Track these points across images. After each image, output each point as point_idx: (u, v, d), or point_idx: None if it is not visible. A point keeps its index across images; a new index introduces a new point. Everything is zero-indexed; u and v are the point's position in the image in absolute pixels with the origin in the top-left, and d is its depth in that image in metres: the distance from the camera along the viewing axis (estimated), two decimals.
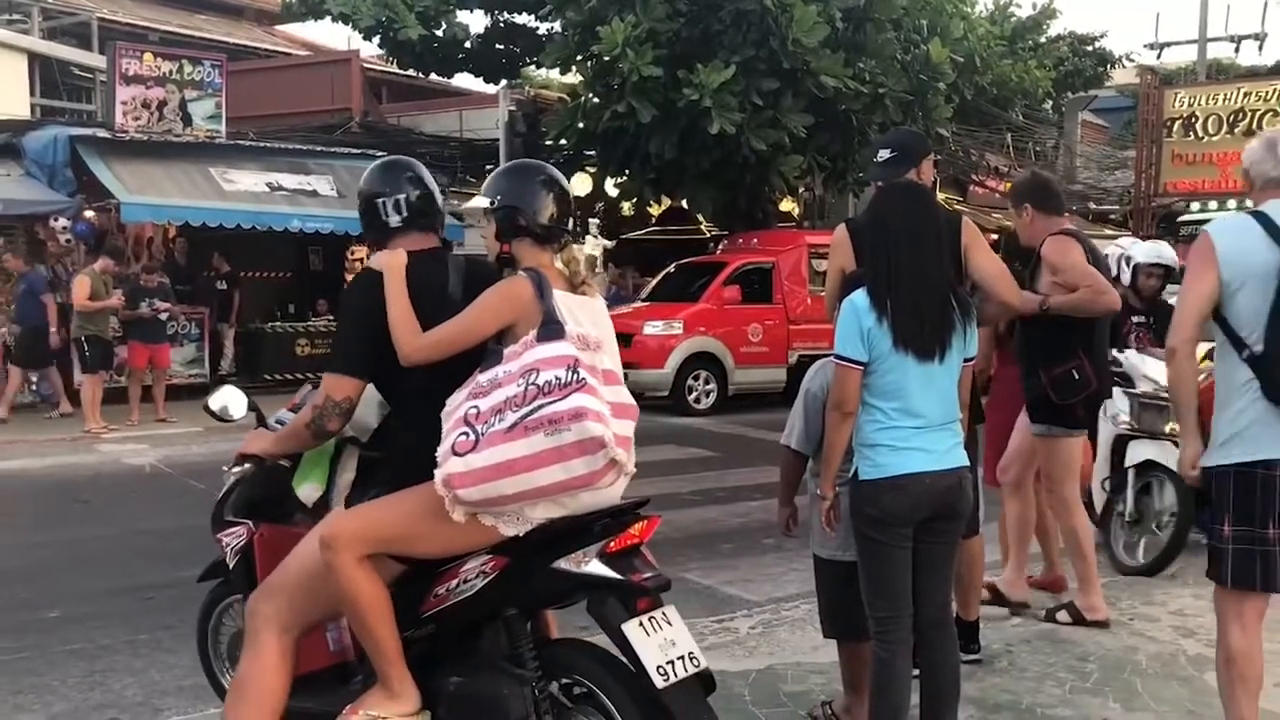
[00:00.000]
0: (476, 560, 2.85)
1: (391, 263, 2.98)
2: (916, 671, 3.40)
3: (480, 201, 3.03)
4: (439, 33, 17.26)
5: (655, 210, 19.03)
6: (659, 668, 2.69)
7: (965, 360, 3.38)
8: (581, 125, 13.83)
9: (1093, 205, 24.28)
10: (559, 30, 15.17)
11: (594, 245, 19.87)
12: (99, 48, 16.22)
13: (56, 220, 12.89)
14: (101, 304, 11.30)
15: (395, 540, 2.87)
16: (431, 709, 2.89)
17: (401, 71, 19.14)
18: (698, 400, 13.03)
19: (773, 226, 17.10)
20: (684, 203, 17.58)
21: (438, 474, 2.70)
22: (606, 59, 12.99)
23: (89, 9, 17.85)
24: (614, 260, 20.46)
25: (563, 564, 2.77)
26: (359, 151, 14.71)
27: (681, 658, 2.74)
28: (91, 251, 12.81)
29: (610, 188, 17.31)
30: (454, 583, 2.87)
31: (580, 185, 17.58)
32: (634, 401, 2.93)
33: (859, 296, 3.30)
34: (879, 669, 3.33)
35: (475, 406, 2.73)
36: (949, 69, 15.13)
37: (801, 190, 18.81)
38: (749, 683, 4.16)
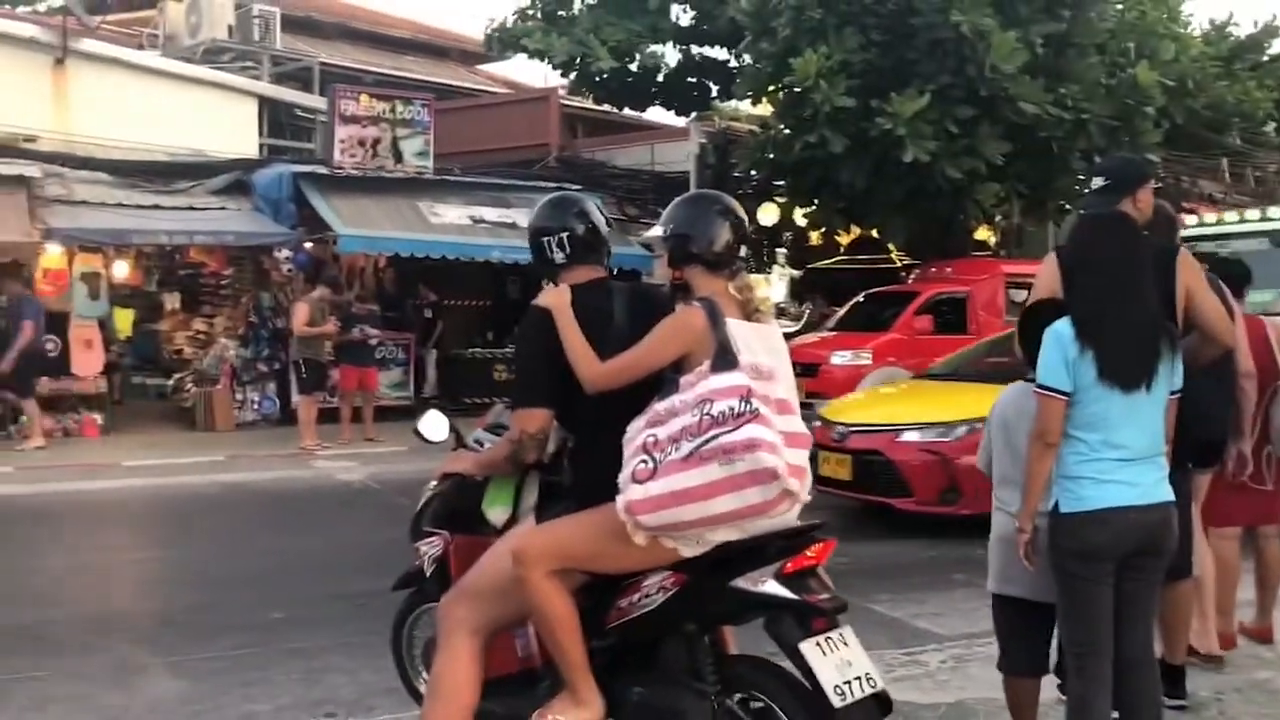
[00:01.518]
0: (657, 576, 2.96)
1: (557, 302, 3.13)
2: (1116, 715, 3.33)
3: (655, 230, 3.18)
4: (632, 66, 17.72)
5: (844, 239, 18.89)
6: (836, 687, 2.75)
7: (1171, 393, 3.30)
8: (771, 156, 13.87)
9: None
10: (751, 62, 15.31)
11: (781, 274, 19.92)
12: (319, 90, 17.34)
13: (280, 251, 13.86)
14: (319, 330, 12.05)
15: (581, 558, 3.02)
16: (615, 717, 3.01)
17: (596, 107, 19.73)
18: None
19: (967, 255, 16.71)
20: (875, 232, 17.42)
21: (620, 499, 2.84)
22: (798, 90, 13.03)
23: (312, 54, 19.10)
24: (802, 289, 20.41)
25: (740, 583, 2.87)
26: (556, 185, 15.19)
27: (859, 678, 2.80)
28: (309, 281, 13.71)
29: (799, 217, 17.30)
30: (635, 597, 2.99)
31: (767, 215, 17.63)
32: (807, 430, 2.98)
33: (1063, 325, 3.26)
34: (1076, 706, 3.28)
35: (654, 435, 2.84)
36: (1158, 93, 14.47)
37: (999, 219, 18.30)
38: (939, 715, 4.14)
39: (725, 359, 2.87)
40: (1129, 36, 14.93)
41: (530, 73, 47.83)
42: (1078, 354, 3.19)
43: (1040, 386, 3.24)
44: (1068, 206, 15.60)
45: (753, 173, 15.38)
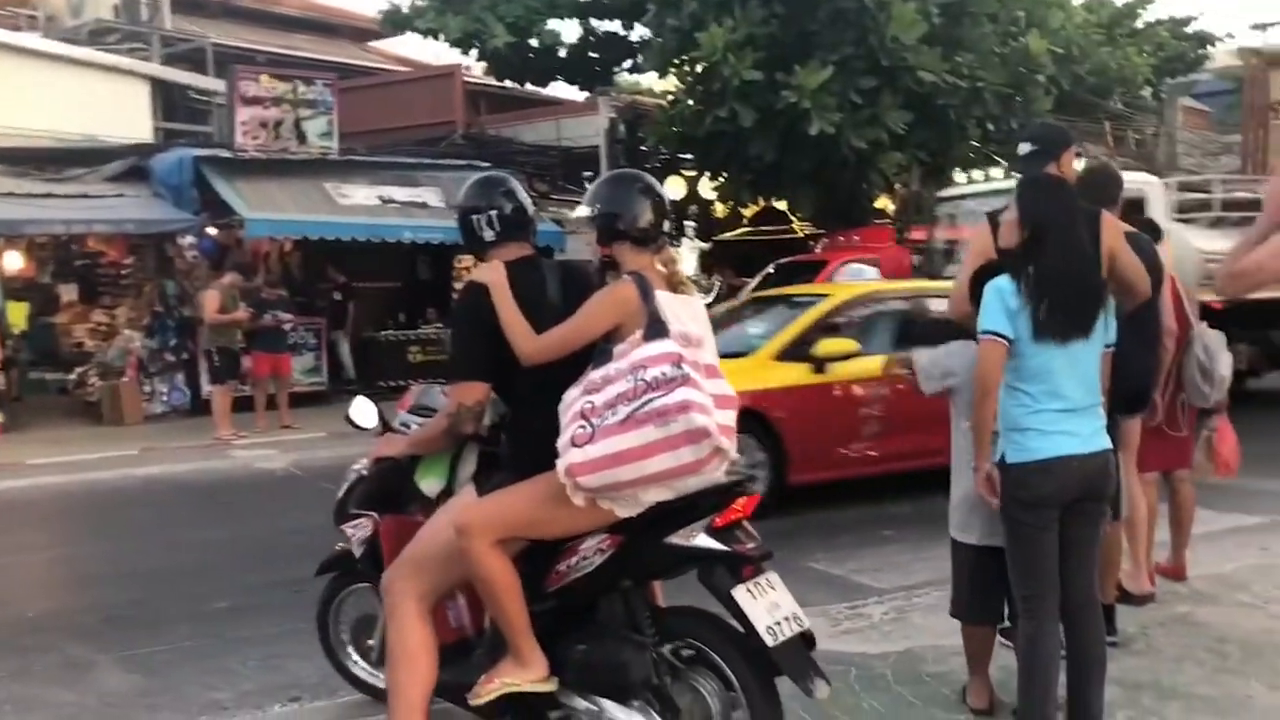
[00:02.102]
0: (594, 539, 3.12)
1: (494, 278, 3.23)
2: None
3: (582, 210, 3.31)
4: (532, 42, 17.61)
5: (748, 211, 19.13)
6: (768, 627, 2.98)
7: (1106, 346, 3.49)
8: (680, 130, 13.98)
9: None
10: (654, 36, 15.37)
11: (690, 248, 20.09)
12: (214, 71, 16.90)
13: (184, 238, 13.53)
14: (231, 317, 11.83)
15: (522, 526, 3.15)
16: (559, 675, 3.17)
17: (497, 83, 19.57)
18: None
19: (869, 224, 17.08)
20: (783, 203, 17.68)
21: (559, 464, 2.97)
22: (706, 64, 13.15)
23: (203, 35, 18.58)
24: (711, 262, 20.61)
25: (674, 539, 3.05)
26: (464, 163, 15.11)
27: (787, 618, 3.04)
28: (215, 267, 13.42)
29: (705, 190, 17.47)
30: (574, 560, 3.15)
31: (674, 189, 17.77)
32: (734, 393, 3.16)
33: (1003, 280, 3.41)
34: (1027, 648, 3.44)
35: (590, 401, 2.98)
36: (1048, 60, 14.97)
37: (898, 187, 18.73)
38: (890, 664, 4.31)
39: (656, 328, 3.01)
40: (1019, 5, 15.38)
41: (426, 49, 46.94)
42: (1019, 307, 3.35)
43: (983, 332, 3.37)
44: (959, 171, 16.02)
45: (661, 147, 15.45)
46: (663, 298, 3.09)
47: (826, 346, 7.61)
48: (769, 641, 2.97)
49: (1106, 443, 3.45)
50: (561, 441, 2.99)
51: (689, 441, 2.91)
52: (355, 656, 4.13)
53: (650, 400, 2.91)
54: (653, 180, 3.37)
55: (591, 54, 18.24)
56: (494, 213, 3.38)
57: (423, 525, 3.44)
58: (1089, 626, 3.51)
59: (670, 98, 15.00)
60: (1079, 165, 4.75)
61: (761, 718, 3.03)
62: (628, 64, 18.43)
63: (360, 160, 14.92)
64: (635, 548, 3.10)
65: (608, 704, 3.13)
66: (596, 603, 3.26)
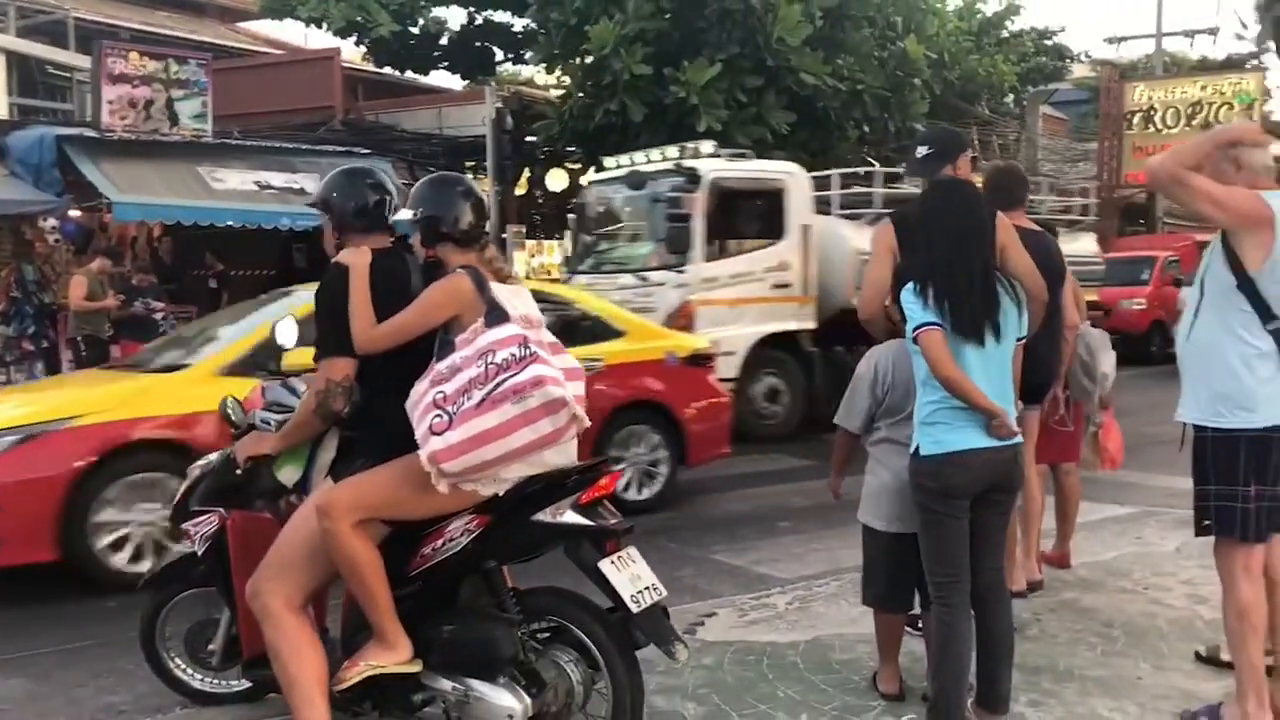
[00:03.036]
0: (460, 520, 3.20)
1: (356, 261, 3.29)
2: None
3: (405, 213, 3.38)
4: (414, 30, 17.34)
5: None
6: (632, 596, 3.15)
7: (1017, 339, 3.63)
8: (570, 124, 13.95)
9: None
10: (539, 29, 15.30)
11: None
12: (74, 46, 16.12)
13: (45, 220, 12.86)
14: (99, 304, 11.31)
15: (385, 507, 3.19)
16: (424, 657, 3.23)
17: (376, 69, 19.20)
18: None
19: None
20: None
21: (422, 453, 3.04)
22: (595, 59, 13.16)
23: (64, 8, 17.72)
24: None
25: (541, 516, 3.19)
26: (344, 150, 14.75)
27: (648, 588, 3.21)
28: (78, 251, 12.79)
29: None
30: (439, 542, 3.22)
31: (556, 182, 17.74)
32: (579, 365, 3.33)
33: (910, 286, 3.53)
34: (942, 632, 3.55)
35: (441, 391, 3.07)
36: (924, 65, 15.46)
37: None
38: (799, 652, 4.40)
39: (497, 314, 3.15)
40: (896, 11, 15.84)
41: (295, 30, 45.62)
42: (926, 306, 3.46)
43: (917, 328, 3.46)
44: (905, 174, 16.41)
45: (549, 141, 15.40)
46: (496, 287, 3.23)
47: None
48: (634, 609, 3.14)
49: (1017, 437, 3.59)
50: (420, 433, 3.06)
51: (547, 413, 3.05)
52: (184, 665, 4.02)
53: (504, 380, 3.04)
54: (471, 182, 3.49)
55: (475, 43, 18.07)
56: (361, 204, 3.43)
57: (271, 520, 3.48)
58: (997, 611, 3.64)
59: (561, 92, 14.96)
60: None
61: (624, 684, 3.18)
62: (511, 54, 18.33)
63: (236, 144, 14.41)
64: (502, 527, 3.20)
65: (475, 683, 3.20)
66: (458, 585, 3.36)
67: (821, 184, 11.65)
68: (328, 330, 3.32)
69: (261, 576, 3.29)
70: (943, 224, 3.58)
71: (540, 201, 19.00)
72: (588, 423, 3.17)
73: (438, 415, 3.04)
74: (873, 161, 19.52)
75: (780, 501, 7.83)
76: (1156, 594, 5.10)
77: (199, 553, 3.70)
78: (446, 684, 3.23)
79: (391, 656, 3.18)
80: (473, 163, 16.06)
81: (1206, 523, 3.60)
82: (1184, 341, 3.65)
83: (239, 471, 3.58)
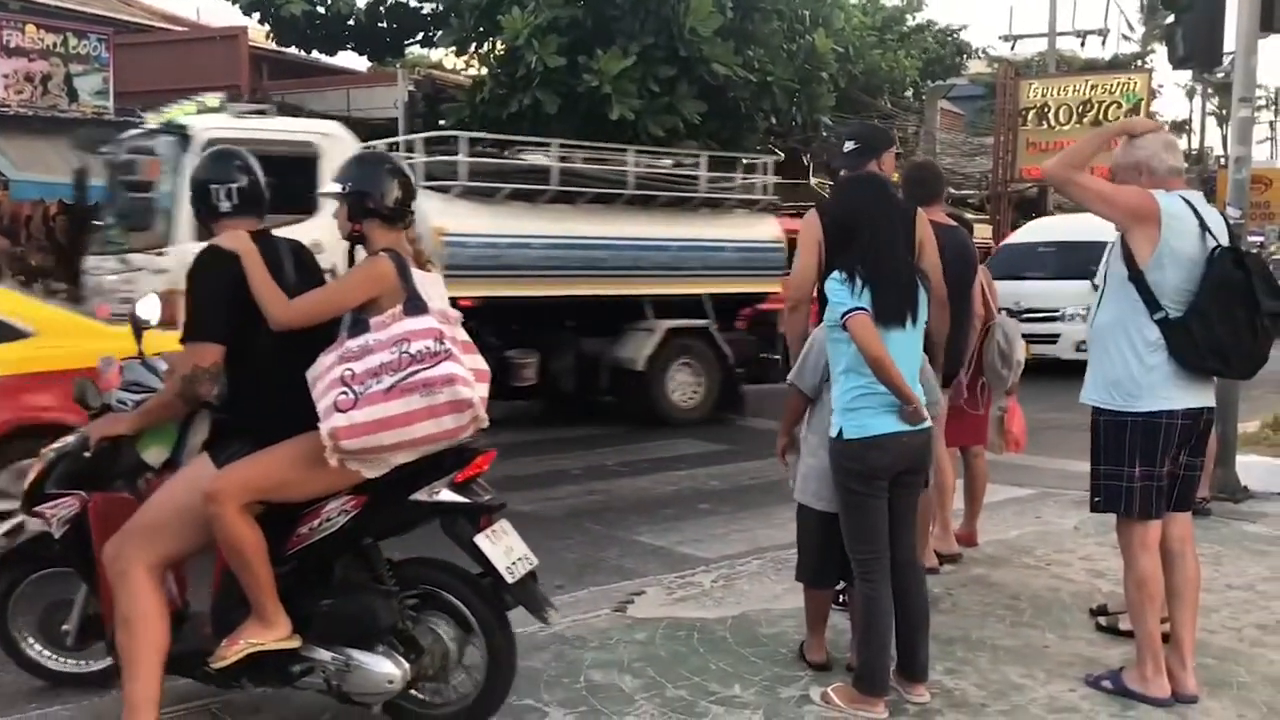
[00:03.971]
0: (338, 500, 3.32)
1: (243, 246, 3.34)
2: None
3: (333, 186, 3.47)
4: (320, 9, 17.04)
5: None
6: (507, 568, 3.36)
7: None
8: (482, 111, 13.87)
9: (952, 190, 25.55)
10: (447, 12, 15.18)
11: None
12: None
13: None
14: None
15: (271, 490, 3.28)
16: (303, 631, 3.34)
17: (281, 48, 18.82)
18: None
19: None
20: None
21: (323, 427, 3.13)
22: (508, 49, 13.13)
23: None
24: None
25: (419, 496, 3.34)
26: None
27: (521, 559, 3.42)
28: None
29: None
30: (317, 522, 3.33)
31: None
32: (488, 367, 3.46)
33: (837, 274, 3.70)
34: (866, 605, 3.76)
35: (350, 369, 3.16)
36: (831, 59, 15.76)
37: None
38: (728, 628, 4.57)
39: (416, 304, 3.24)
40: (804, 5, 16.11)
41: (188, 5, 44.31)
42: (857, 294, 3.64)
43: (845, 314, 3.61)
44: (833, 166, 16.63)
45: (460, 126, 15.30)
46: (416, 275, 3.32)
47: None
48: (509, 579, 3.35)
49: (928, 422, 3.80)
50: (323, 406, 3.15)
51: (452, 411, 3.17)
52: (40, 647, 3.99)
53: (416, 372, 3.13)
54: (400, 160, 3.58)
55: (381, 24, 17.83)
56: (234, 185, 3.47)
57: (131, 501, 3.50)
58: (912, 583, 3.87)
59: (473, 80, 14.87)
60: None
61: (498, 645, 3.41)
62: (419, 37, 18.14)
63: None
64: (380, 507, 3.33)
65: (355, 652, 3.34)
66: (336, 561, 3.46)
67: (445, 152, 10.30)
68: (201, 315, 3.35)
69: (125, 541, 3.30)
70: (869, 216, 3.77)
71: None
72: (487, 423, 3.30)
73: (343, 392, 3.12)
74: (778, 151, 19.90)
75: (696, 485, 8.02)
76: (1058, 569, 5.41)
77: (57, 535, 3.65)
78: (326, 655, 3.35)
79: (271, 634, 3.28)
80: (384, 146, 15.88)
81: (1097, 500, 3.88)
82: (1089, 329, 3.92)
83: (87, 454, 3.56)
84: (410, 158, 9.89)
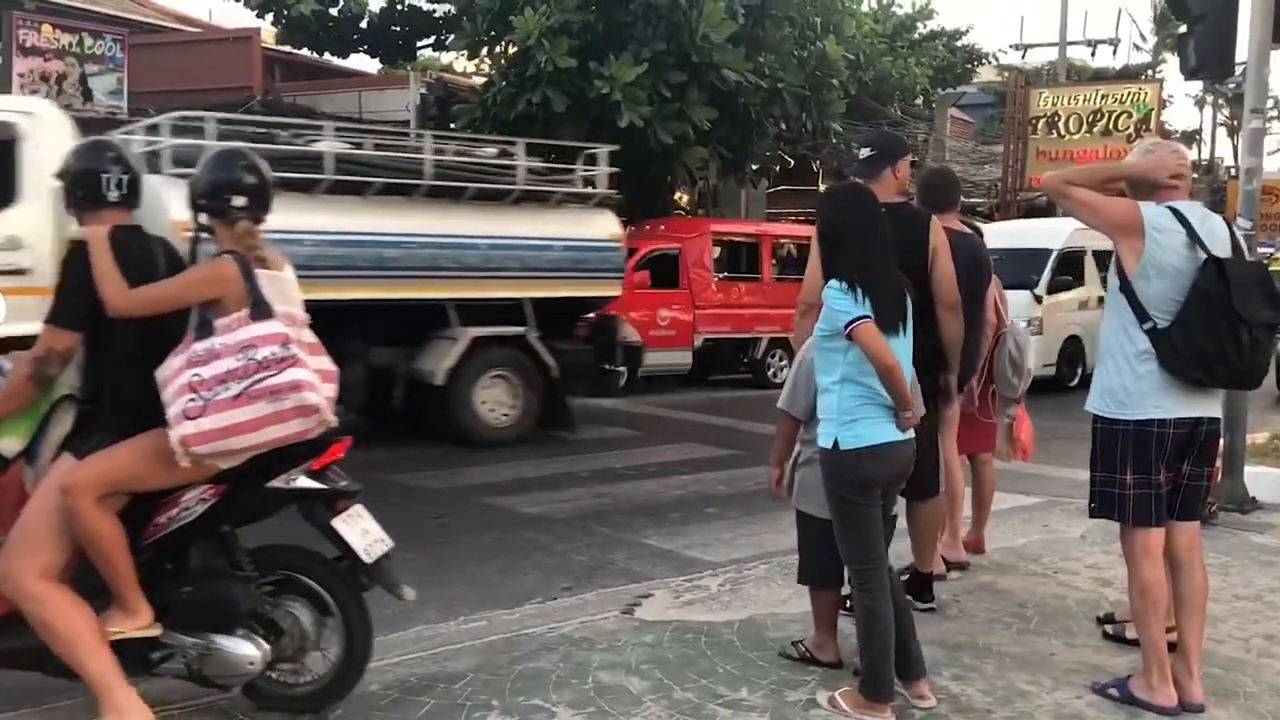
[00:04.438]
0: (195, 490, 3.38)
1: (94, 234, 3.39)
2: None
3: (184, 181, 3.54)
4: (334, 11, 17.12)
5: None
6: (364, 549, 3.49)
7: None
8: (493, 112, 13.93)
9: (962, 198, 25.50)
10: (459, 15, 15.25)
11: None
12: None
13: None
14: None
15: (130, 482, 3.33)
16: (163, 618, 3.39)
17: (294, 50, 18.90)
18: None
19: (670, 214, 17.59)
20: None
21: (172, 435, 3.20)
22: (519, 49, 13.20)
23: None
24: None
25: (276, 483, 3.44)
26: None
27: (377, 540, 3.54)
28: None
29: None
30: (174, 511, 3.40)
31: None
32: (335, 368, 3.54)
33: (835, 282, 3.67)
34: (866, 615, 3.74)
35: (198, 374, 3.22)
36: (842, 66, 15.81)
37: (696, 181, 19.33)
38: (735, 631, 4.58)
39: (262, 309, 3.29)
40: (815, 11, 16.17)
41: (200, 6, 44.49)
42: (860, 302, 3.64)
43: (851, 323, 3.60)
44: (848, 173, 16.68)
45: (470, 128, 15.37)
46: (261, 276, 3.36)
47: None
48: (366, 560, 3.48)
49: (910, 431, 3.80)
50: (172, 413, 3.20)
51: (299, 415, 3.26)
52: None
53: (262, 379, 3.20)
54: (257, 159, 3.62)
55: (394, 27, 17.91)
56: (122, 177, 3.52)
57: None
58: (893, 583, 3.87)
59: (484, 80, 14.94)
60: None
61: (355, 625, 3.55)
62: (431, 40, 18.21)
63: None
64: (238, 495, 3.42)
65: (215, 636, 3.42)
66: (193, 548, 3.55)
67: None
68: (64, 302, 3.40)
69: (9, 559, 3.32)
70: (853, 227, 3.75)
71: None
72: (335, 423, 3.41)
73: (192, 399, 3.19)
74: (789, 159, 19.94)
75: (705, 489, 8.04)
76: (1065, 577, 5.42)
77: None
78: (187, 640, 3.42)
79: (132, 622, 3.32)
80: None
81: (1093, 505, 3.92)
82: (1098, 339, 3.95)
83: None
84: (156, 142, 8.68)
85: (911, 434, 3.78)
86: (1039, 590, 5.19)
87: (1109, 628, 4.56)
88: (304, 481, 3.46)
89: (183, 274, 3.37)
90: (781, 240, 15.90)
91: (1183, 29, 6.83)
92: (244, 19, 17.62)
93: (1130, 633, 4.23)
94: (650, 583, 5.42)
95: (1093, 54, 29.89)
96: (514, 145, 10.35)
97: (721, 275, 14.69)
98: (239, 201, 3.43)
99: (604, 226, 10.57)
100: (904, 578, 4.90)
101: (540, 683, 3.94)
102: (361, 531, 3.51)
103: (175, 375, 3.23)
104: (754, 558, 5.84)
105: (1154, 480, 3.75)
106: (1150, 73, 32.85)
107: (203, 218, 3.46)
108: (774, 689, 3.96)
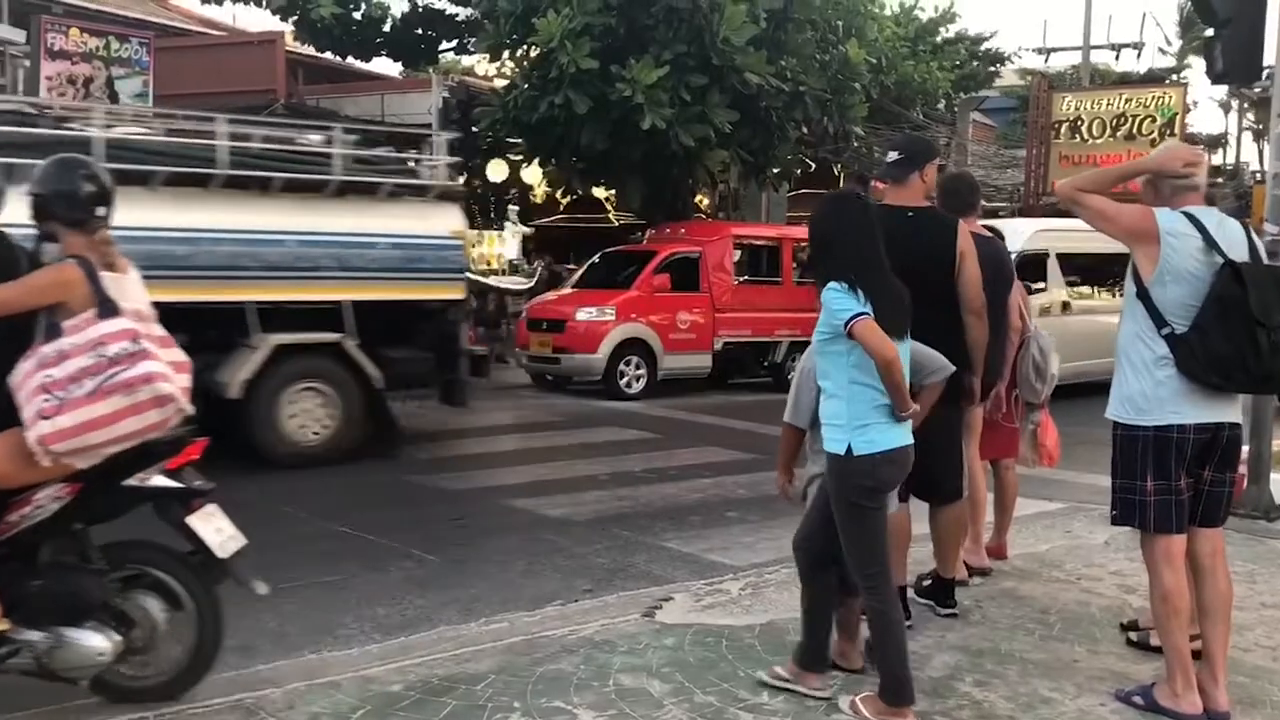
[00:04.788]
0: (49, 489, 3.41)
1: None
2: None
3: (26, 190, 3.52)
4: (356, 15, 17.21)
5: (563, 199, 19.32)
6: (219, 545, 3.60)
7: None
8: (514, 114, 13.98)
9: (984, 203, 25.39)
10: (481, 18, 15.31)
11: (513, 232, 20.13)
12: (9, 19, 15.72)
13: None
14: None
15: None
16: (10, 614, 3.42)
17: (317, 53, 19.01)
18: (629, 385, 13.34)
19: (691, 217, 17.59)
20: (604, 192, 17.91)
21: (30, 435, 3.25)
22: (542, 51, 13.23)
23: None
24: (532, 247, 20.73)
25: (131, 482, 3.52)
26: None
27: (231, 537, 3.65)
28: None
29: (528, 175, 17.52)
30: (27, 509, 3.42)
31: (496, 172, 17.77)
32: (188, 358, 3.62)
33: (836, 284, 3.62)
34: (879, 621, 3.73)
35: (50, 375, 3.28)
36: (864, 70, 15.78)
37: (717, 184, 19.34)
38: (756, 635, 4.57)
39: (108, 308, 3.36)
40: (838, 15, 16.14)
41: (227, 10, 44.59)
42: (861, 302, 3.61)
43: (850, 319, 3.55)
44: (876, 175, 16.63)
45: (492, 130, 15.43)
46: (106, 278, 3.42)
47: None
48: (220, 555, 3.59)
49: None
50: (28, 414, 3.26)
51: (155, 406, 3.35)
52: None
53: (116, 374, 3.28)
54: (96, 165, 3.68)
55: (417, 30, 17.99)
56: None
57: None
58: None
59: (506, 82, 14.99)
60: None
61: (208, 614, 3.66)
62: (454, 43, 18.29)
63: None
64: (94, 493, 3.46)
65: (65, 630, 3.46)
66: (43, 544, 3.55)
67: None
68: None
69: None
70: (848, 228, 3.72)
71: (479, 191, 19.02)
72: (191, 411, 3.49)
73: (46, 399, 3.24)
74: (810, 162, 19.90)
75: (725, 492, 8.03)
76: (1088, 584, 5.38)
77: None
78: (36, 635, 3.44)
79: None
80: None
81: (1114, 512, 3.89)
82: (1117, 346, 3.92)
83: None
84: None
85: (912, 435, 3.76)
86: (1062, 596, 5.16)
87: (1133, 634, 4.53)
88: (160, 480, 3.55)
89: (24, 279, 3.38)
90: (802, 244, 15.83)
91: (1209, 32, 6.77)
92: (263, 22, 17.79)
93: (1154, 640, 4.19)
94: (671, 586, 5.41)
95: (1117, 57, 29.68)
96: (330, 129, 9.31)
97: (742, 279, 14.65)
98: (102, 211, 3.53)
99: (444, 222, 9.50)
100: (926, 583, 4.91)
101: (561, 685, 3.95)
102: (216, 529, 3.61)
103: (27, 378, 3.28)
104: (775, 562, 5.81)
105: (1174, 486, 3.73)
106: (1175, 77, 32.65)
107: (52, 225, 3.49)
108: (795, 694, 3.95)
